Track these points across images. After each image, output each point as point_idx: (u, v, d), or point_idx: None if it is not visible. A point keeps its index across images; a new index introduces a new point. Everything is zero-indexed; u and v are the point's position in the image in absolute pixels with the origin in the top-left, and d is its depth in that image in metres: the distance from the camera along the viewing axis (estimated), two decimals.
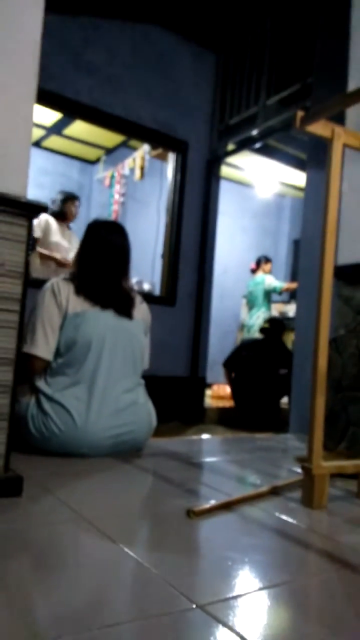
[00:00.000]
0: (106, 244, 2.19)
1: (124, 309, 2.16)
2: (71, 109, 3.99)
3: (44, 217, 3.93)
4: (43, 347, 2.01)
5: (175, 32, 4.36)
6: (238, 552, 1.18)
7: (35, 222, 3.86)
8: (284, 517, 1.46)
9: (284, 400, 4.43)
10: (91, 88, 3.96)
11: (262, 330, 4.85)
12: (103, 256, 2.17)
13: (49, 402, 1.97)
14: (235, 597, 0.97)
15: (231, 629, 0.85)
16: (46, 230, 3.92)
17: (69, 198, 4.07)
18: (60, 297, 2.05)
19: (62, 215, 4.03)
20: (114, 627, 0.82)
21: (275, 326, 4.77)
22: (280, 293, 5.81)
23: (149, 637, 0.81)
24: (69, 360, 2.02)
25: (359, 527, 1.48)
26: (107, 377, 2.03)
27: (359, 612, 0.97)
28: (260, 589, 1.01)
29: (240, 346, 4.77)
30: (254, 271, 5.94)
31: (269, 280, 5.71)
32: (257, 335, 5.28)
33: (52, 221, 3.97)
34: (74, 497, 1.48)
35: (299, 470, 2.00)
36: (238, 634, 0.84)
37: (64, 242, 4.00)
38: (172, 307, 4.37)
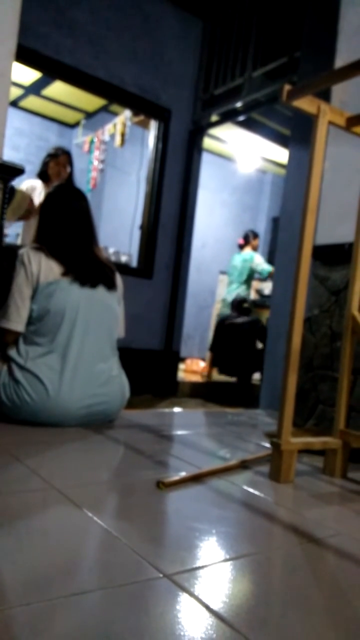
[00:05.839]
0: (67, 209, 2.15)
1: (106, 280, 2.13)
2: (51, 69, 3.84)
3: (29, 183, 3.67)
4: (15, 319, 2.00)
5: None
6: (206, 523, 1.21)
7: (23, 188, 3.63)
8: (252, 490, 1.50)
9: (256, 376, 4.50)
10: (73, 48, 3.82)
11: (243, 310, 4.79)
12: (66, 222, 2.13)
13: (21, 371, 1.95)
14: (202, 567, 0.99)
15: (197, 598, 0.87)
16: (30, 194, 3.61)
17: (50, 155, 3.69)
18: (31, 267, 2.01)
19: (44, 176, 3.68)
20: (82, 595, 0.83)
21: (253, 326, 4.70)
22: (266, 278, 5.51)
23: (116, 605, 0.82)
24: (41, 329, 2.00)
25: (323, 502, 1.52)
26: (81, 347, 2.02)
27: (321, 585, 1.00)
28: (227, 559, 1.04)
29: (220, 326, 4.75)
30: (242, 246, 5.67)
31: (258, 260, 5.45)
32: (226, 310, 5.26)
33: (38, 184, 3.68)
34: (43, 466, 1.48)
35: (268, 445, 2.04)
36: (204, 603, 0.86)
37: None
38: (149, 279, 4.34)
